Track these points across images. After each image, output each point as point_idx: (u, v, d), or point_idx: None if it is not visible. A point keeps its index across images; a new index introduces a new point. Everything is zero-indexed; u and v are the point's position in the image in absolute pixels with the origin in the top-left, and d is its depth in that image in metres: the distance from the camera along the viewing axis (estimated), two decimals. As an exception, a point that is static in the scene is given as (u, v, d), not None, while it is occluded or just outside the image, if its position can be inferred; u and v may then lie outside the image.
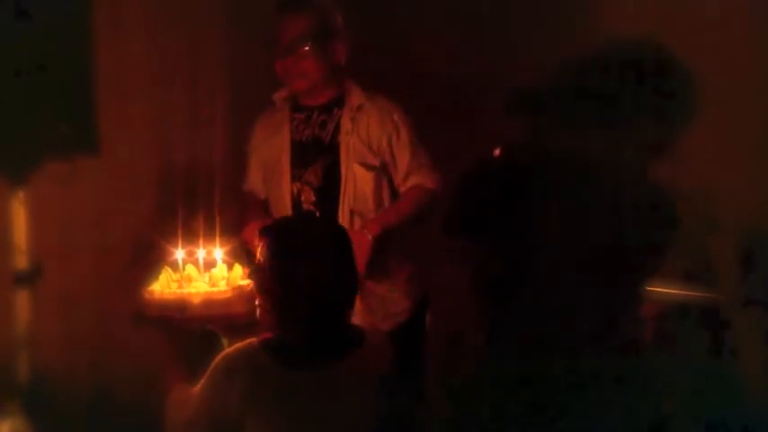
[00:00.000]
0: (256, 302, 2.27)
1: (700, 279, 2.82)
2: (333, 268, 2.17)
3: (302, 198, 2.89)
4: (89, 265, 3.02)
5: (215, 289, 2.41)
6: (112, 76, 3.00)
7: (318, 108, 2.92)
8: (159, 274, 2.42)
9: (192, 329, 2.44)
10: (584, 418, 2.99)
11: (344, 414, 2.15)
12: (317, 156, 2.89)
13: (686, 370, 2.89)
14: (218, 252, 2.46)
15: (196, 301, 2.39)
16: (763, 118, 2.78)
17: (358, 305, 2.45)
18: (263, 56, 2.94)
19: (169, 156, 3.17)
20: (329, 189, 2.87)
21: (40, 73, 2.79)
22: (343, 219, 2.83)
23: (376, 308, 2.85)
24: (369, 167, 2.86)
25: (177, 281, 2.41)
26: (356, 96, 2.91)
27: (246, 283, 2.44)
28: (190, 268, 2.42)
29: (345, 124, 2.88)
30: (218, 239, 2.48)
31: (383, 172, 2.90)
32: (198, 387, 2.19)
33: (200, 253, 2.43)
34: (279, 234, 2.22)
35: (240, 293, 2.42)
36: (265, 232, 2.22)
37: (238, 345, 2.20)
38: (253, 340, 2.19)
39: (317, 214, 2.87)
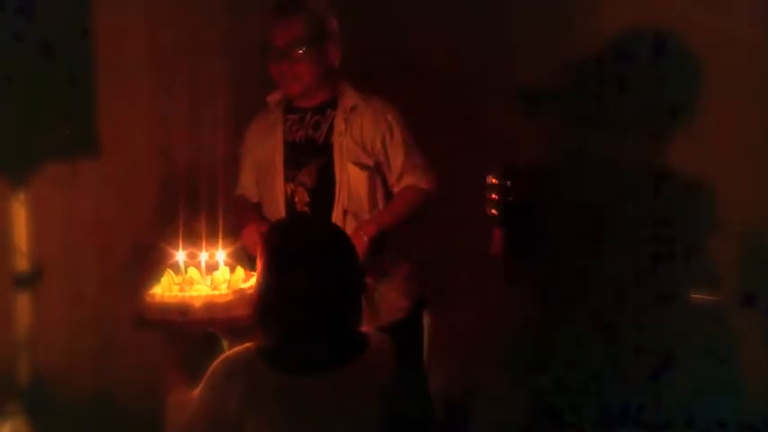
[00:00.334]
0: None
1: (700, 279, 2.82)
2: (331, 271, 2.14)
3: (296, 199, 2.89)
4: (90, 267, 3.03)
5: (216, 292, 2.41)
6: (113, 77, 3.00)
7: (312, 109, 2.92)
8: (161, 277, 2.41)
9: (194, 333, 2.44)
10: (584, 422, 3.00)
11: (345, 419, 2.13)
12: (310, 157, 2.89)
13: (686, 371, 2.89)
14: (221, 255, 2.46)
15: (197, 304, 2.38)
16: (765, 116, 2.78)
17: None
18: (262, 57, 2.93)
19: (170, 158, 3.17)
20: (323, 190, 2.87)
21: (41, 74, 2.79)
22: (337, 219, 2.83)
23: (373, 307, 2.85)
24: (363, 167, 2.86)
25: (179, 284, 2.40)
26: (350, 97, 2.91)
27: (248, 285, 2.43)
28: (192, 271, 2.42)
29: (339, 125, 2.88)
30: (220, 242, 2.47)
31: (377, 172, 2.89)
32: (197, 390, 2.18)
33: (203, 256, 2.43)
34: (275, 238, 2.21)
35: (242, 296, 2.41)
36: (263, 237, 2.22)
37: (237, 348, 2.19)
38: (251, 344, 2.17)
39: (311, 215, 2.87)
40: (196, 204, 2.84)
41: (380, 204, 2.91)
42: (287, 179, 2.90)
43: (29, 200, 2.84)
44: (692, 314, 2.84)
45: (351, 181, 2.85)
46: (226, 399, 2.10)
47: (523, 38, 3.24)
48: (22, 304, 2.86)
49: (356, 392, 2.15)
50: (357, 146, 2.87)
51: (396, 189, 2.92)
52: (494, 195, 2.55)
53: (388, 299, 2.91)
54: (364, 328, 2.26)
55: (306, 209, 2.89)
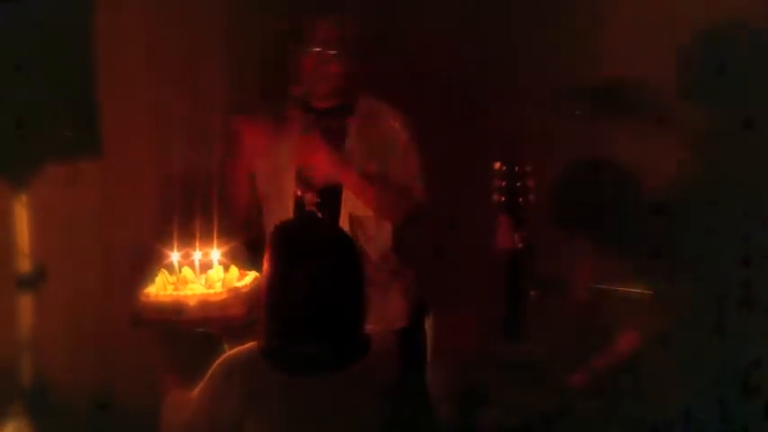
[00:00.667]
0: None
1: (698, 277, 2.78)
2: (335, 273, 2.16)
3: (306, 199, 2.89)
4: (92, 269, 3.03)
5: (211, 291, 2.41)
6: (115, 78, 3.00)
7: (328, 111, 2.93)
8: (155, 276, 2.41)
9: (189, 332, 2.43)
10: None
11: (345, 420, 2.14)
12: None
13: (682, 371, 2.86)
14: (215, 254, 2.45)
15: (192, 303, 2.39)
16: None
17: None
18: (265, 58, 2.93)
19: (172, 158, 3.17)
20: (332, 192, 2.88)
21: (43, 75, 2.80)
22: (343, 223, 2.83)
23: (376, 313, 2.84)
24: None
25: (173, 283, 2.41)
26: (364, 103, 2.93)
27: (242, 284, 2.44)
28: (186, 270, 2.42)
29: (350, 130, 2.89)
30: (214, 241, 2.47)
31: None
32: (197, 390, 2.19)
33: (197, 255, 2.42)
34: (281, 237, 2.23)
35: (236, 295, 2.41)
36: (270, 236, 2.22)
37: (239, 348, 2.20)
38: (253, 344, 2.19)
39: (319, 216, 2.87)
40: (192, 204, 2.82)
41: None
42: (298, 178, 2.90)
43: (30, 201, 2.84)
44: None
45: None
46: (226, 398, 2.11)
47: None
48: (24, 305, 2.86)
49: (357, 393, 2.16)
50: (364, 151, 2.87)
51: None
52: (501, 182, 2.47)
53: (392, 305, 2.90)
54: (367, 330, 2.26)
55: (313, 209, 2.89)
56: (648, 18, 2.99)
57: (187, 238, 2.51)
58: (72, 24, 2.87)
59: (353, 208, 2.86)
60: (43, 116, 2.82)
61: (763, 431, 2.66)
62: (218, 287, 2.42)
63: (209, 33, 3.30)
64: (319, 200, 2.89)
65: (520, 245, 2.48)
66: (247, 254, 2.81)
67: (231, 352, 2.21)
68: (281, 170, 2.93)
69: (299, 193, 2.90)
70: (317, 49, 2.82)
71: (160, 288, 2.40)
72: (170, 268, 2.42)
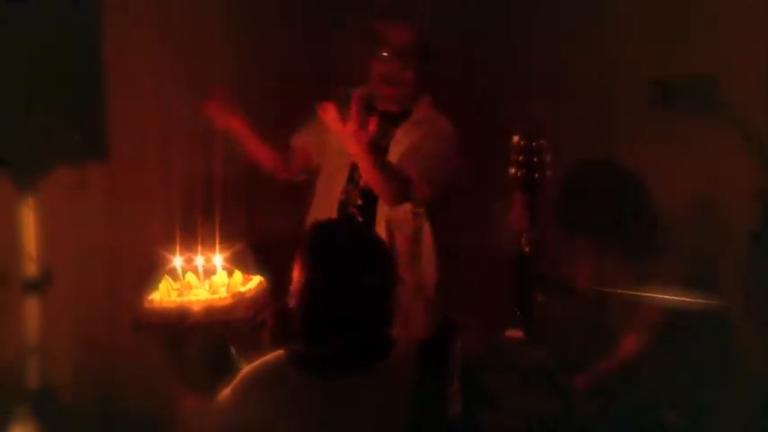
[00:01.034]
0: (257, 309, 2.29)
1: (703, 285, 2.76)
2: (366, 279, 2.16)
3: (350, 199, 2.94)
4: (99, 272, 3.04)
5: (215, 296, 2.39)
6: (122, 81, 3.00)
7: (387, 115, 2.94)
8: (159, 282, 2.40)
9: (195, 338, 2.43)
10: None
11: (372, 425, 2.14)
12: None
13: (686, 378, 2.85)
14: (218, 259, 2.44)
15: (196, 308, 2.37)
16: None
17: None
18: (273, 62, 2.92)
19: (178, 162, 3.17)
20: (374, 196, 2.89)
21: (50, 79, 2.79)
22: (379, 227, 2.86)
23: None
24: None
25: (177, 289, 2.39)
26: (422, 112, 2.95)
27: (247, 289, 2.43)
28: (189, 276, 2.40)
29: (399, 135, 2.91)
30: (217, 246, 2.46)
31: None
32: (223, 399, 2.18)
33: (199, 260, 2.41)
34: (319, 238, 2.24)
35: (241, 300, 2.40)
36: (310, 235, 2.23)
37: (267, 356, 2.20)
38: (280, 352, 2.19)
39: (359, 218, 2.90)
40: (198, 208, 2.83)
41: (423, 217, 2.92)
42: (349, 179, 2.94)
43: (38, 205, 2.84)
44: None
45: None
46: (256, 406, 2.12)
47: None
48: (31, 309, 2.85)
49: (381, 396, 2.16)
50: (406, 158, 2.87)
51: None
52: (519, 156, 2.40)
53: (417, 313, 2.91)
54: (393, 333, 2.26)
55: (354, 210, 2.92)
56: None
57: (192, 243, 2.50)
58: (80, 27, 2.86)
59: (389, 213, 2.88)
60: (51, 119, 2.81)
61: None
62: (223, 292, 2.40)
63: (218, 36, 3.29)
64: (362, 202, 2.91)
65: (527, 248, 2.45)
66: (255, 257, 2.82)
67: (258, 362, 2.20)
68: (336, 169, 2.96)
69: (346, 191, 2.94)
70: (391, 54, 2.83)
71: (164, 294, 2.38)
72: (173, 274, 2.41)
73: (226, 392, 2.19)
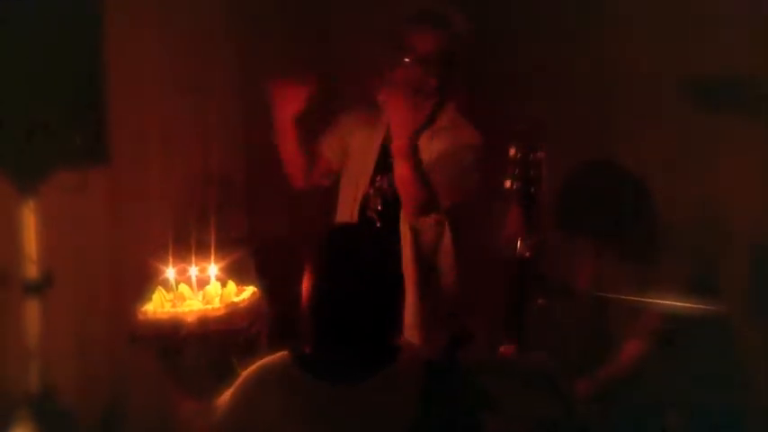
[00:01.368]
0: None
1: (706, 290, 2.73)
2: (374, 286, 2.15)
3: (370, 204, 2.91)
4: (99, 275, 3.04)
5: (209, 306, 2.38)
6: (123, 84, 2.99)
7: None
8: (152, 294, 2.39)
9: (189, 350, 2.41)
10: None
11: (376, 427, 2.12)
12: (393, 167, 2.86)
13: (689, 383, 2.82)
14: (212, 269, 2.43)
15: (190, 319, 2.36)
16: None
17: None
18: (275, 67, 2.90)
19: (180, 166, 3.16)
20: (395, 202, 2.86)
21: (50, 81, 2.78)
22: (404, 235, 2.84)
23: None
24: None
25: (171, 300, 2.39)
26: (446, 119, 2.90)
27: (240, 299, 2.41)
28: (182, 287, 2.39)
29: (422, 142, 2.83)
30: (212, 256, 2.44)
31: None
32: (224, 400, 2.17)
33: (193, 271, 2.40)
34: (325, 243, 2.21)
35: (235, 310, 2.38)
36: (322, 239, 2.21)
37: (270, 357, 2.19)
38: (284, 353, 2.18)
39: (378, 223, 2.88)
40: (198, 215, 2.81)
41: (445, 225, 2.89)
42: (372, 181, 2.91)
43: (38, 207, 2.84)
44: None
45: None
46: (259, 407, 2.10)
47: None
48: (32, 312, 2.85)
49: (386, 402, 2.14)
50: (431, 167, 2.82)
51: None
52: (515, 169, 2.40)
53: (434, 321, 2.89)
54: (398, 340, 2.25)
55: (373, 215, 2.89)
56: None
57: (189, 250, 2.49)
58: (80, 28, 2.85)
59: (412, 221, 2.84)
60: (52, 123, 2.80)
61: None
62: (216, 303, 2.39)
63: (223, 41, 3.26)
64: (382, 208, 2.88)
65: (528, 254, 2.42)
66: (255, 264, 2.81)
67: (260, 362, 2.19)
68: (357, 173, 2.93)
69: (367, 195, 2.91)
70: (413, 60, 2.79)
71: (157, 305, 2.38)
72: (166, 285, 2.40)
73: (226, 395, 2.18)
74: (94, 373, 3.02)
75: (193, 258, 2.41)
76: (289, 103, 2.87)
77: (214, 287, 2.42)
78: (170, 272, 2.38)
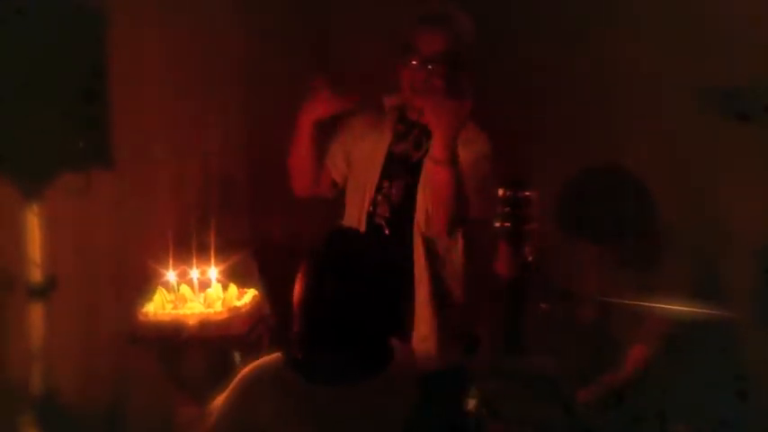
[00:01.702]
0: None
1: (713, 296, 2.72)
2: (373, 290, 2.16)
3: (378, 210, 2.87)
4: (104, 278, 3.03)
5: (211, 310, 2.39)
6: (127, 88, 2.98)
7: (420, 126, 2.87)
8: (153, 294, 2.39)
9: (190, 352, 2.42)
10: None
11: (370, 429, 2.14)
12: (402, 172, 2.87)
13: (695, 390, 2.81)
14: (213, 272, 2.43)
15: (192, 322, 2.37)
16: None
17: None
18: (280, 67, 2.89)
19: (183, 169, 3.16)
20: (404, 209, 2.84)
21: (54, 84, 2.78)
22: (416, 243, 2.81)
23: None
24: None
25: (172, 302, 2.39)
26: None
27: (242, 303, 2.42)
28: (184, 288, 2.40)
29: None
30: (213, 258, 2.44)
31: None
32: (219, 402, 2.18)
33: (194, 273, 2.40)
34: (334, 247, 2.22)
35: (237, 315, 2.40)
36: (323, 242, 2.22)
37: (265, 358, 2.20)
38: (279, 354, 2.18)
39: (387, 231, 2.84)
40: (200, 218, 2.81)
41: (458, 236, 2.86)
42: (378, 188, 2.88)
43: (42, 211, 2.82)
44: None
45: (430, 205, 2.79)
46: (254, 408, 2.11)
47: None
48: (36, 315, 2.84)
49: (380, 405, 2.16)
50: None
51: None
52: (505, 208, 2.41)
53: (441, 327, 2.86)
54: (392, 342, 2.26)
55: (382, 222, 2.86)
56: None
57: (190, 253, 2.49)
58: (83, 31, 2.84)
59: (424, 229, 2.81)
60: (55, 125, 2.80)
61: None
62: (219, 306, 2.40)
63: (228, 43, 3.26)
64: (390, 215, 2.85)
65: (530, 258, 2.40)
66: (257, 264, 2.80)
67: (256, 363, 2.20)
68: (363, 180, 2.90)
69: (374, 201, 2.88)
70: (420, 62, 2.77)
71: (159, 307, 2.38)
72: (167, 286, 2.40)
73: (223, 395, 2.18)
74: (98, 375, 3.01)
75: (195, 260, 2.41)
76: (318, 107, 2.85)
77: (216, 290, 2.43)
78: (171, 274, 2.38)
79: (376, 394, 2.15)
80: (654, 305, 2.56)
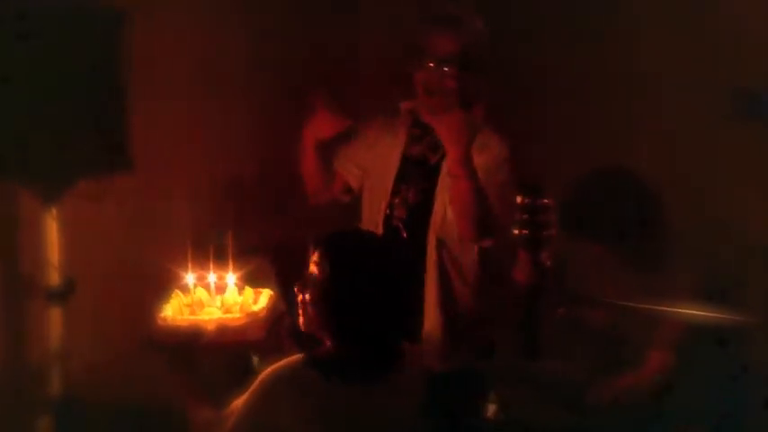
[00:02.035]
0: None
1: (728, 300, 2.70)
2: (395, 297, 2.17)
3: (395, 213, 2.86)
4: (122, 282, 3.04)
5: (229, 315, 2.39)
6: (147, 93, 2.99)
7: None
8: (170, 298, 2.40)
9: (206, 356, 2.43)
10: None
11: (388, 428, 2.15)
12: (419, 175, 2.86)
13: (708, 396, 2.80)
14: (231, 277, 2.43)
15: (210, 327, 2.37)
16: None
17: None
18: (298, 71, 2.89)
19: (201, 173, 3.17)
20: (421, 212, 2.83)
21: (73, 89, 2.80)
22: (430, 245, 2.80)
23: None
24: None
25: (189, 305, 2.39)
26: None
27: (259, 308, 2.42)
28: (200, 292, 2.40)
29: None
30: (230, 263, 2.45)
31: None
32: (239, 404, 2.18)
33: (211, 277, 2.41)
34: (354, 248, 2.23)
35: (255, 320, 2.40)
36: (342, 242, 2.23)
37: (286, 360, 2.20)
38: (299, 355, 2.19)
39: (404, 234, 2.84)
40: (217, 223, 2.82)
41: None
42: (394, 192, 2.87)
43: (61, 215, 2.85)
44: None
45: (447, 209, 2.79)
46: (274, 409, 2.11)
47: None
48: (54, 319, 2.87)
49: (401, 403, 2.18)
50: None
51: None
52: (523, 215, 2.41)
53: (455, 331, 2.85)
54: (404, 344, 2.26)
55: (399, 225, 2.85)
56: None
57: (207, 257, 2.50)
58: (104, 40, 2.86)
59: (440, 232, 2.80)
60: (74, 130, 2.81)
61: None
62: (236, 311, 2.40)
63: (244, 47, 3.27)
64: (407, 217, 2.85)
65: (548, 263, 2.41)
66: (274, 270, 2.81)
67: (276, 365, 2.20)
68: (379, 183, 2.90)
69: (390, 204, 2.88)
70: (434, 64, 2.77)
71: (176, 311, 2.38)
72: (184, 289, 2.41)
73: (243, 397, 2.18)
74: (116, 378, 3.02)
75: (212, 265, 2.41)
76: (318, 126, 2.87)
77: (232, 295, 2.42)
78: (189, 277, 2.39)
79: (397, 394, 2.16)
80: (670, 309, 2.55)
